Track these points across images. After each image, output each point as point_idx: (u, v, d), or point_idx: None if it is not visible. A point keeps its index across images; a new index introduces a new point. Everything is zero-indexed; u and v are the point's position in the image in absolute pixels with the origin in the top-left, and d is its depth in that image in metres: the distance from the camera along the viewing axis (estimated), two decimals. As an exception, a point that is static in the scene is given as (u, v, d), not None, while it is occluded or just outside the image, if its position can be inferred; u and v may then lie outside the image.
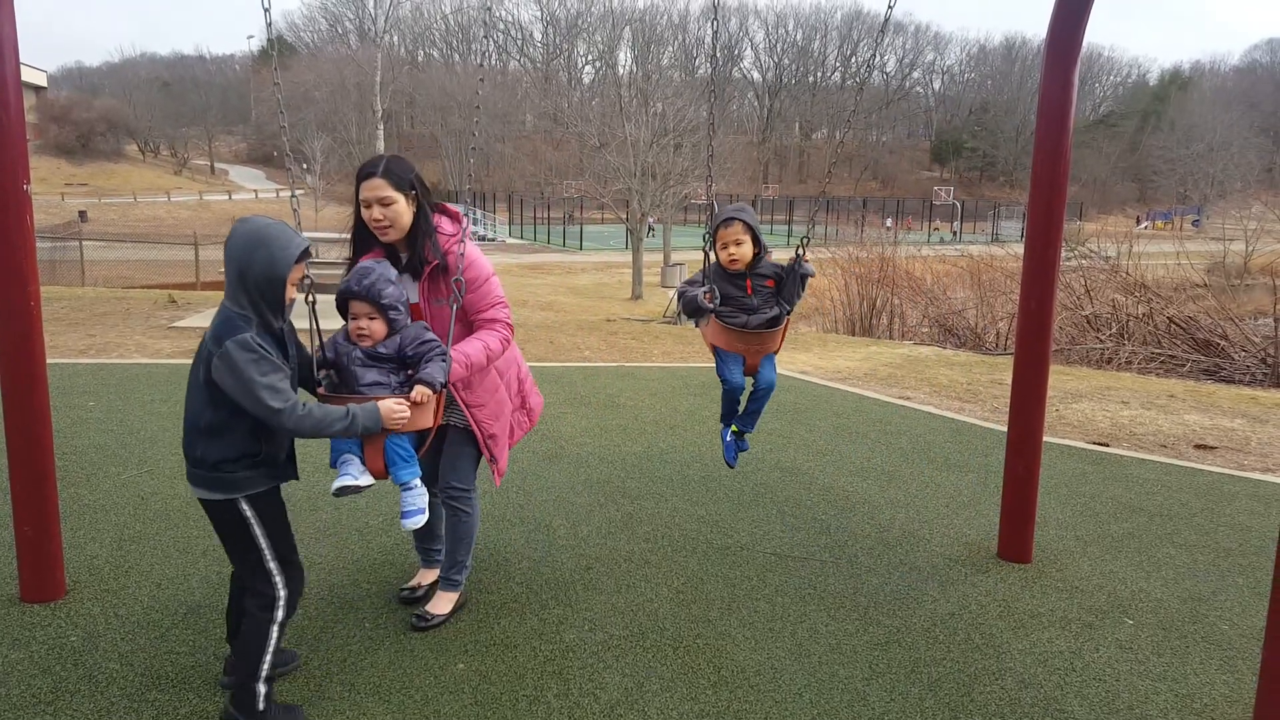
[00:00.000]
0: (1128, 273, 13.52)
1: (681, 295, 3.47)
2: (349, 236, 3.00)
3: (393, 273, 2.74)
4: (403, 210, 2.83)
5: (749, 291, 3.38)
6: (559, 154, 49.28)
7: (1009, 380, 3.91)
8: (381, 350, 2.64)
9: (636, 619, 3.25)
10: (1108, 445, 6.01)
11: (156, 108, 72.78)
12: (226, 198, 55.93)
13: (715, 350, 3.48)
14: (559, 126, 49.06)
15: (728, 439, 3.70)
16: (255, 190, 60.25)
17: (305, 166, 45.11)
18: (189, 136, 74.30)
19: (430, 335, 2.71)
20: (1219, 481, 5.22)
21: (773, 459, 5.28)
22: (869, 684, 2.87)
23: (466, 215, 3.03)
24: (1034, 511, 3.89)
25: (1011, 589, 3.60)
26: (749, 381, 3.51)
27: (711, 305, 3.35)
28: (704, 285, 3.38)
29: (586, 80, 78.64)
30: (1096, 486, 5.02)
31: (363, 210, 2.85)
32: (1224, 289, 16.53)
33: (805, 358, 9.55)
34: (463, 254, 2.86)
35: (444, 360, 2.66)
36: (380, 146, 37.59)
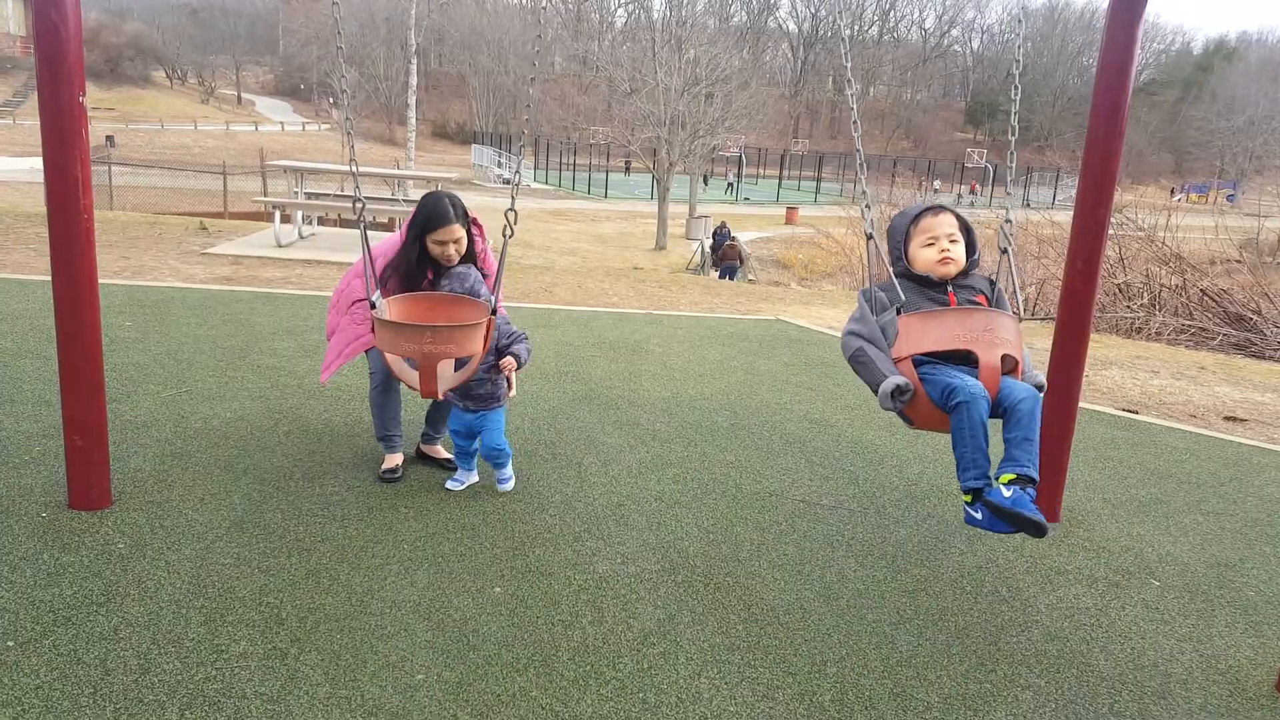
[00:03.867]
0: (1163, 243, 13.31)
1: (856, 357, 2.46)
2: (402, 256, 3.42)
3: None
4: (465, 244, 3.45)
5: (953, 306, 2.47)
6: (587, 98, 48.64)
7: (1038, 344, 3.89)
8: (468, 282, 3.33)
9: (668, 555, 3.31)
10: (1137, 413, 5.99)
11: (184, 34, 72.17)
12: (253, 129, 55.68)
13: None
14: (588, 70, 48.40)
15: (1004, 499, 2.21)
16: (281, 123, 59.94)
17: (333, 101, 44.84)
18: (216, 65, 73.75)
19: (513, 328, 3.50)
20: (1248, 453, 5.19)
21: (801, 411, 5.30)
22: (897, 629, 2.92)
23: (516, 164, 3.61)
24: (1064, 472, 3.89)
25: (1039, 546, 3.63)
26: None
27: (900, 403, 2.32)
28: (892, 355, 2.33)
29: (619, 24, 77.18)
30: (1125, 452, 5.01)
31: (434, 247, 3.37)
32: (1258, 265, 16.26)
33: (833, 314, 9.51)
34: (484, 264, 3.63)
35: (526, 343, 3.52)
36: (413, 83, 37.18)
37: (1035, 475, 2.23)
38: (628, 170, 51.31)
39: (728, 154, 42.73)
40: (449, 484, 3.75)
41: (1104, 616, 3.11)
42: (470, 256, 3.51)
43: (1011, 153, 2.86)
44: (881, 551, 3.47)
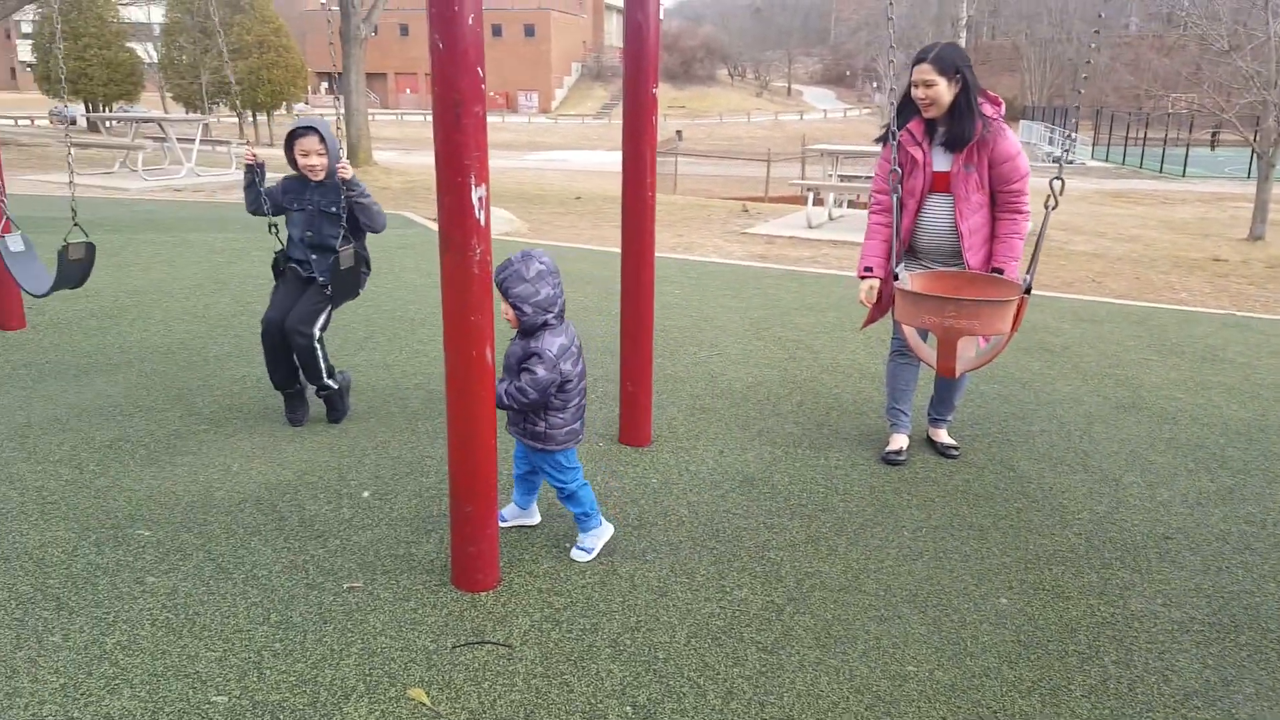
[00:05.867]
0: None
1: None
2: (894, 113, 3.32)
3: (534, 270, 2.66)
4: (942, 91, 3.26)
5: None
6: (1169, 61, 41.86)
7: None
8: (511, 360, 2.76)
9: (1228, 609, 2.68)
10: None
11: (747, 33, 79.60)
12: (798, 118, 59.33)
13: None
14: (1172, 29, 41.59)
15: None
16: (824, 110, 62.83)
17: (876, 85, 45.56)
18: (771, 60, 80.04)
19: (534, 369, 2.67)
20: None
21: None
22: None
23: (1069, 136, 3.10)
24: None
25: None
26: None
27: None
28: None
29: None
30: None
31: (912, 90, 3.32)
32: None
33: None
34: (999, 131, 3.28)
35: (503, 388, 2.70)
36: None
37: None
38: (1214, 144, 43.16)
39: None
40: (573, 553, 2.90)
41: None
42: (960, 115, 3.28)
43: None
44: None
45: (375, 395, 4.32)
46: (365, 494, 3.26)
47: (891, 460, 3.66)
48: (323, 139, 3.68)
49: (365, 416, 4.03)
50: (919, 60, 3.29)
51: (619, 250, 3.66)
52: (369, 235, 3.90)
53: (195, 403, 4.14)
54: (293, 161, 3.76)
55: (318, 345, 3.83)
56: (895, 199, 3.08)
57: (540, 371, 2.65)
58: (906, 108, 3.40)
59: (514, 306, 2.68)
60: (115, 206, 10.88)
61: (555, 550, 2.89)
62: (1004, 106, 3.39)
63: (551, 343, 2.69)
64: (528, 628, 2.48)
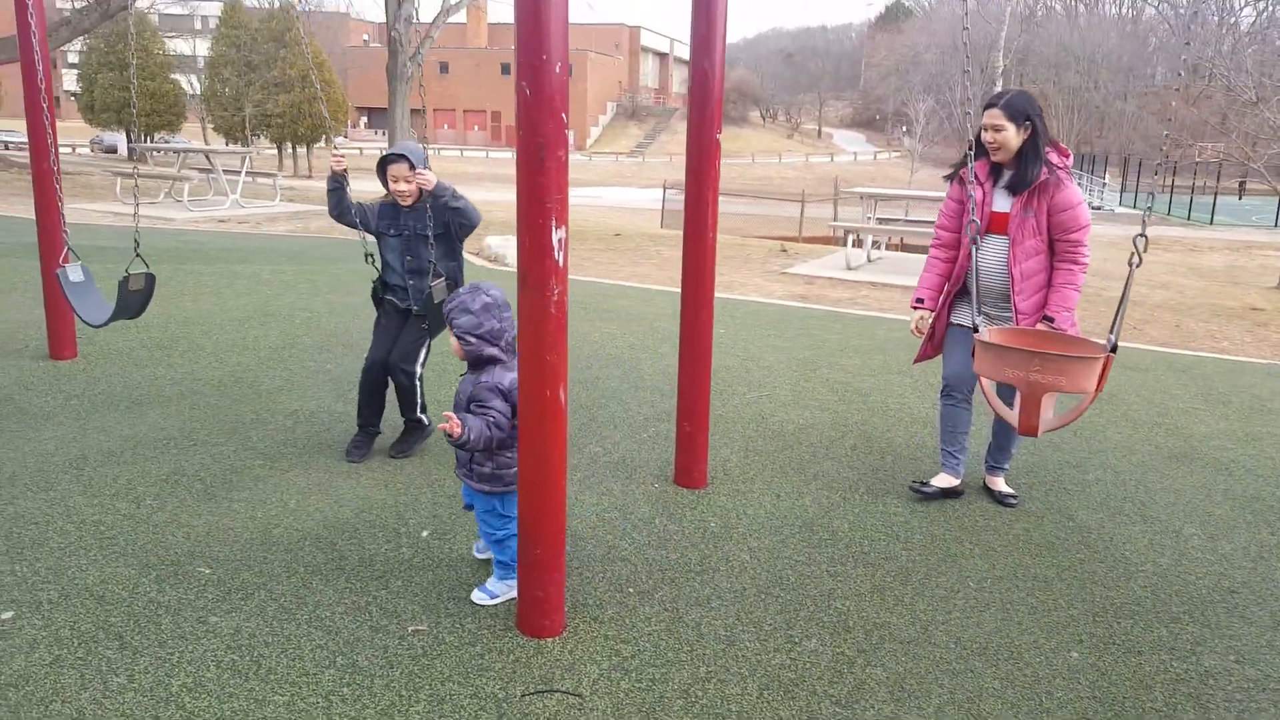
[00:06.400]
0: None
1: None
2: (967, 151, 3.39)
3: (479, 303, 2.75)
4: (1010, 137, 3.35)
5: None
6: (1196, 111, 41.87)
7: None
8: (461, 398, 2.80)
9: (1307, 669, 2.62)
10: None
11: (779, 77, 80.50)
12: (828, 159, 59.62)
13: None
14: (1198, 79, 41.63)
15: None
16: (854, 153, 63.13)
17: (905, 129, 45.81)
18: (802, 103, 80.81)
19: (491, 403, 2.71)
20: None
21: None
22: None
23: (1150, 195, 3.18)
24: None
25: None
26: None
27: None
28: None
29: (1245, 24, 64.98)
30: None
31: (982, 133, 3.41)
32: None
33: None
34: (1062, 180, 3.32)
35: (483, 422, 2.68)
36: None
37: None
38: (1241, 193, 43.09)
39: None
40: (474, 595, 2.83)
41: None
42: (1026, 161, 3.35)
43: None
44: None
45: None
46: (425, 533, 3.27)
47: (917, 489, 3.69)
48: (413, 166, 3.79)
49: (419, 453, 4.06)
50: (990, 105, 3.38)
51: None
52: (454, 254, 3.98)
53: (250, 437, 4.18)
54: (386, 185, 3.89)
55: (418, 382, 3.96)
56: (974, 250, 3.10)
57: (499, 404, 2.69)
58: (977, 149, 3.47)
59: (458, 338, 2.75)
60: (161, 237, 11.11)
61: (619, 595, 2.88)
62: (1071, 158, 3.44)
63: (503, 376, 2.73)
64: (596, 676, 2.46)
